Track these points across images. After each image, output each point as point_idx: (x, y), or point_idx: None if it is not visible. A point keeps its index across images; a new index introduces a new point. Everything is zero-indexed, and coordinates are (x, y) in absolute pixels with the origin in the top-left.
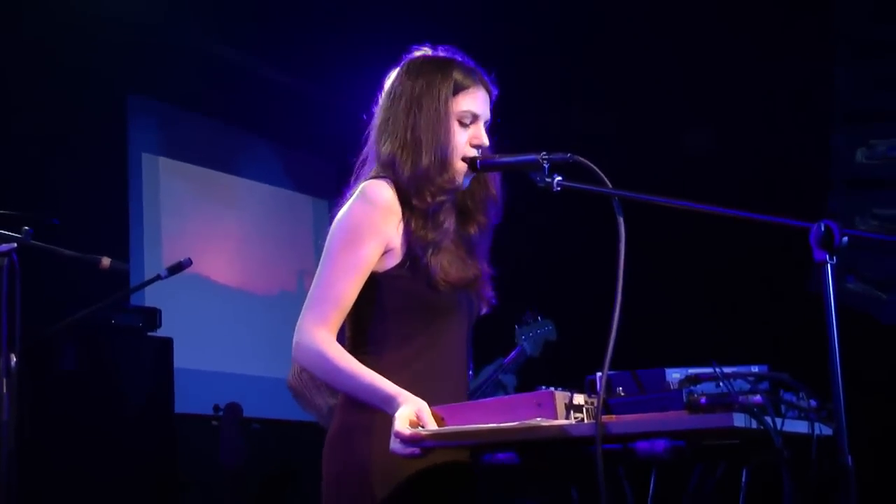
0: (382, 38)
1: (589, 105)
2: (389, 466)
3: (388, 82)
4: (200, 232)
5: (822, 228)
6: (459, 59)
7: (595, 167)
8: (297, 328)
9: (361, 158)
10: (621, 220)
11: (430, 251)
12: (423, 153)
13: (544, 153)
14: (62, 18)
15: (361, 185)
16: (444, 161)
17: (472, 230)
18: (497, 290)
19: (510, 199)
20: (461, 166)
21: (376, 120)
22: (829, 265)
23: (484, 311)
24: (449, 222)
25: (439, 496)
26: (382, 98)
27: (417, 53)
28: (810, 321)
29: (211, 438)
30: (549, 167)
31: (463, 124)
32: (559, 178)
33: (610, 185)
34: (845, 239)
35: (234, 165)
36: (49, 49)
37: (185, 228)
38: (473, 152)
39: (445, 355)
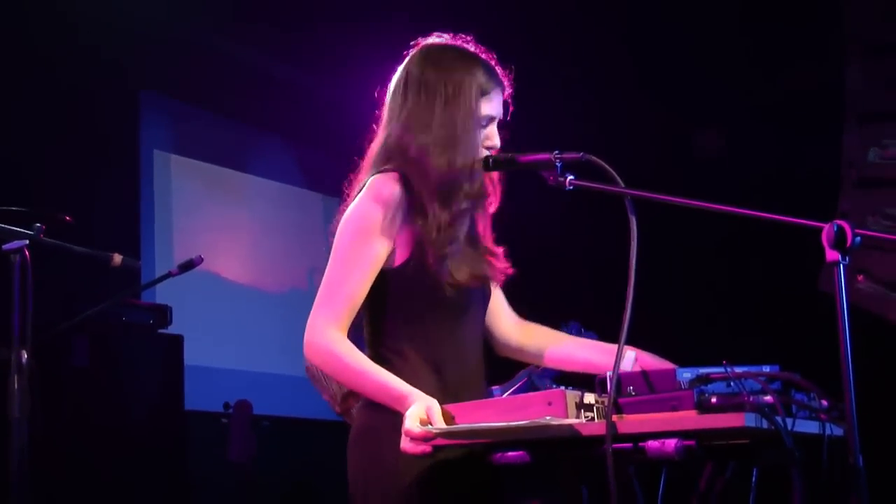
0: (395, 35)
1: (599, 105)
2: (414, 465)
3: (409, 68)
4: (211, 229)
5: (835, 228)
6: (483, 57)
7: (607, 166)
8: (307, 326)
9: (375, 144)
10: (634, 219)
11: (441, 258)
12: (459, 153)
13: (557, 152)
14: (75, 14)
15: (370, 180)
16: (472, 164)
17: (475, 218)
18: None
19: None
20: (479, 170)
21: (396, 106)
22: (841, 265)
23: (500, 281)
24: (463, 230)
25: (465, 494)
26: (401, 84)
27: (437, 41)
28: (822, 321)
29: (221, 436)
30: (561, 166)
31: (480, 125)
32: (571, 177)
33: (622, 185)
34: (858, 239)
35: (245, 163)
36: (62, 45)
37: (196, 226)
38: (485, 153)
39: (461, 350)
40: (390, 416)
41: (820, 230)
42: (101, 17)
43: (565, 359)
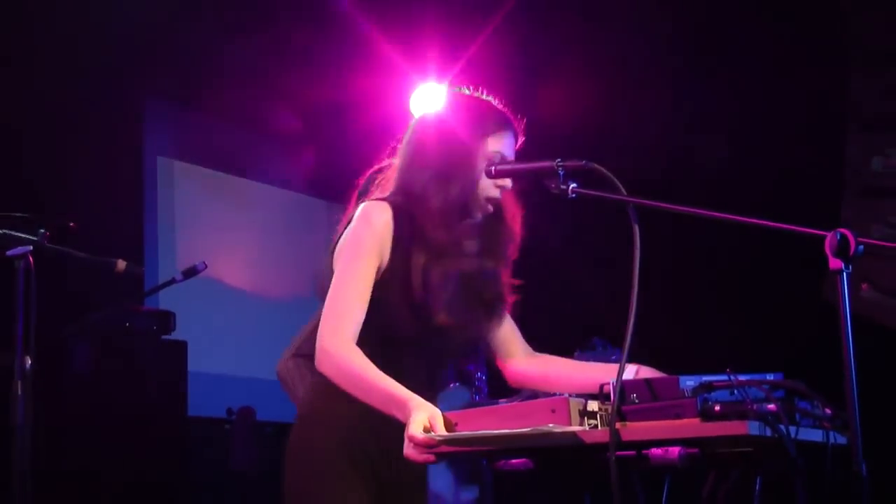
0: (396, 43)
1: (603, 113)
2: (324, 455)
3: (423, 114)
4: (215, 236)
5: (838, 237)
6: (495, 102)
7: (610, 174)
8: (320, 337)
9: (381, 176)
10: (636, 227)
11: (424, 290)
12: (452, 186)
13: (559, 159)
14: (78, 21)
15: (362, 206)
16: (468, 196)
17: (490, 265)
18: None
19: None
20: (483, 205)
21: (404, 147)
22: (844, 274)
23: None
24: (457, 267)
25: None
26: (411, 128)
27: (456, 91)
28: (826, 329)
29: (224, 442)
30: (564, 174)
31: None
32: (574, 184)
33: (625, 193)
34: (861, 248)
35: (249, 169)
36: (65, 52)
37: (199, 232)
38: (497, 193)
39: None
40: (322, 408)
41: (823, 238)
42: (105, 25)
43: (567, 381)
